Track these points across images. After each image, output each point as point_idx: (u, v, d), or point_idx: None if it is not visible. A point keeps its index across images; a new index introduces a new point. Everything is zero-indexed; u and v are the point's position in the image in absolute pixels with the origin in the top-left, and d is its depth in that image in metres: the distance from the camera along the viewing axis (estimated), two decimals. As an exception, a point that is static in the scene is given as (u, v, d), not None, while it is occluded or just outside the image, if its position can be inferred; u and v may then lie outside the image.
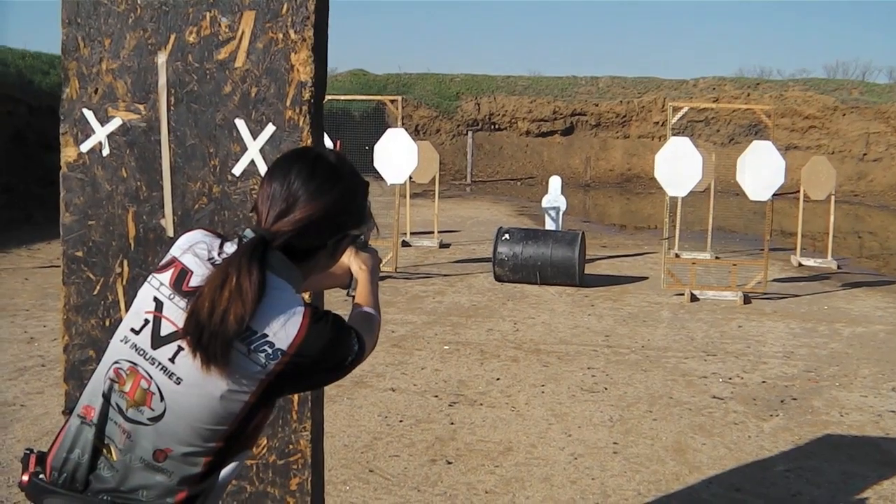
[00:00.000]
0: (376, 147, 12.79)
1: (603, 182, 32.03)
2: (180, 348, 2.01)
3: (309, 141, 2.93)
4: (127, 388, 2.04)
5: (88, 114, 3.18)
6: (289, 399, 3.00)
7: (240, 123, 2.98)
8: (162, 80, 3.08)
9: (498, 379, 7.75)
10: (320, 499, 3.23)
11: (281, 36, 2.98)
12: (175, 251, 2.14)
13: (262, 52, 2.99)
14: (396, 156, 12.50)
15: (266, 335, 2.01)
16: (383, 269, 12.97)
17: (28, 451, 2.13)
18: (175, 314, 2.03)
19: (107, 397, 2.07)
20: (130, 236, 3.10)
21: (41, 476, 2.10)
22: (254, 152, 2.96)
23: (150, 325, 2.05)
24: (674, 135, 11.81)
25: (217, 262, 2.07)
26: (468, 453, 6.00)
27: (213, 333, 1.96)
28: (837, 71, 44.20)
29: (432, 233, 16.17)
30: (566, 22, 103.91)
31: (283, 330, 2.02)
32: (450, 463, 5.83)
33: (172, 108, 3.07)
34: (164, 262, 2.13)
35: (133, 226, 3.10)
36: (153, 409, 2.02)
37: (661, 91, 33.42)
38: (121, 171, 3.12)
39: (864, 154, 30.32)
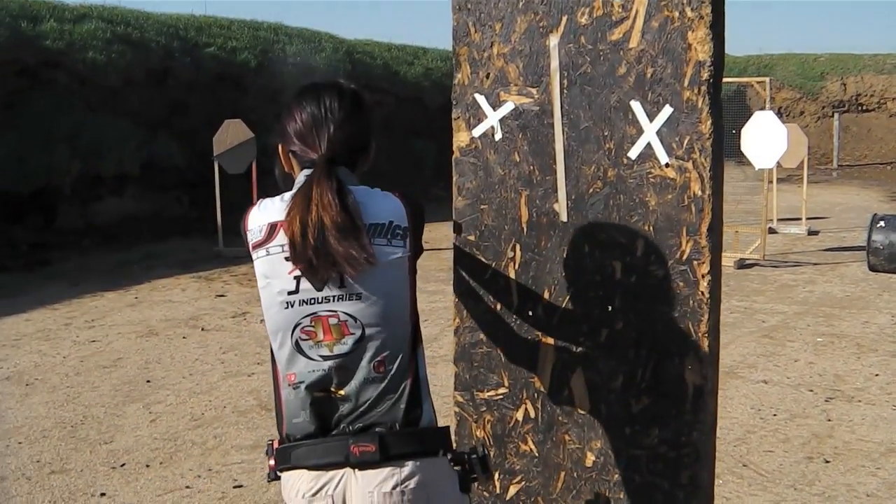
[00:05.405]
0: (744, 130, 12.43)
1: None
2: (339, 275, 2.24)
3: (708, 122, 2.80)
4: (321, 335, 2.25)
5: (480, 98, 3.21)
6: (683, 390, 2.89)
7: (635, 105, 2.89)
8: (554, 63, 3.05)
9: (877, 375, 7.27)
10: (710, 494, 3.10)
11: (677, 14, 2.86)
12: (252, 228, 2.34)
13: (657, 32, 2.89)
14: (765, 140, 12.06)
15: (392, 221, 2.31)
16: (750, 257, 12.56)
17: (270, 441, 2.37)
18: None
19: (305, 355, 2.27)
20: (523, 220, 3.10)
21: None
22: (650, 135, 2.86)
23: (302, 278, 2.24)
24: None
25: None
26: (847, 452, 5.67)
27: (316, 250, 2.18)
28: None
29: (799, 219, 15.50)
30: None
31: (396, 211, 2.35)
32: (827, 462, 5.54)
33: (565, 90, 3.03)
34: (257, 241, 2.32)
35: (525, 210, 3.10)
36: (353, 333, 2.24)
37: None
38: (513, 156, 3.12)
39: None
